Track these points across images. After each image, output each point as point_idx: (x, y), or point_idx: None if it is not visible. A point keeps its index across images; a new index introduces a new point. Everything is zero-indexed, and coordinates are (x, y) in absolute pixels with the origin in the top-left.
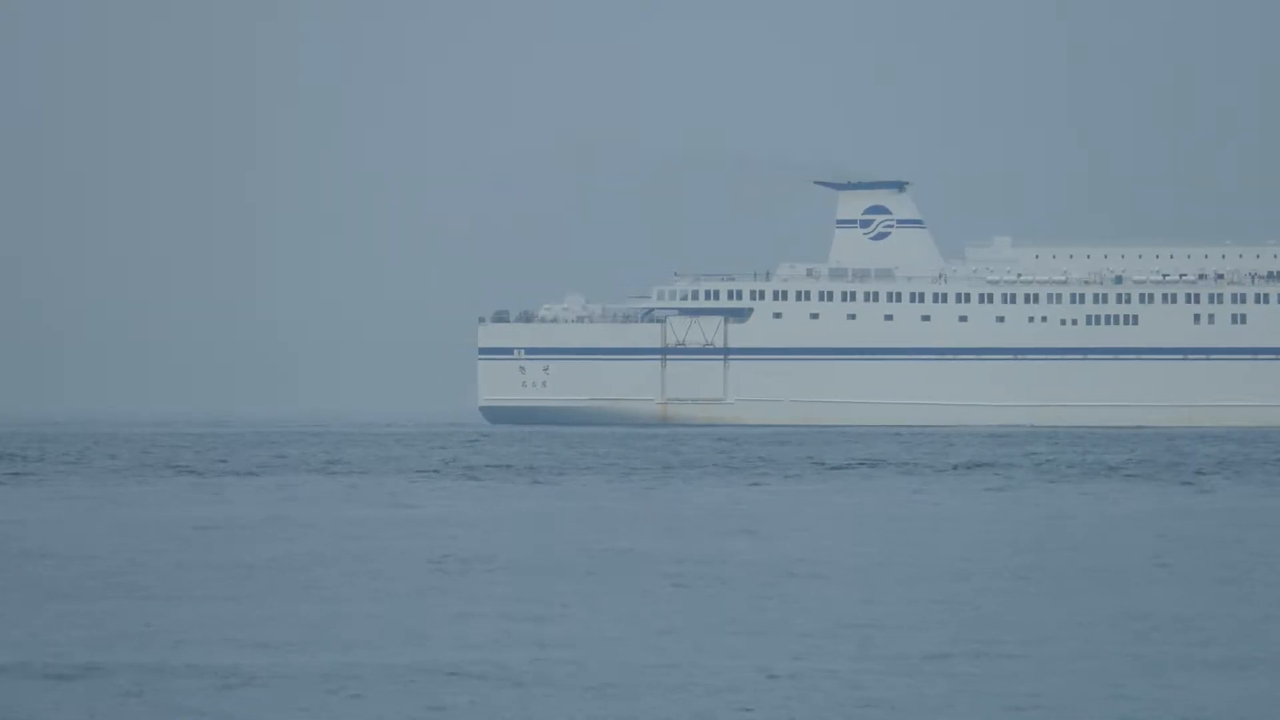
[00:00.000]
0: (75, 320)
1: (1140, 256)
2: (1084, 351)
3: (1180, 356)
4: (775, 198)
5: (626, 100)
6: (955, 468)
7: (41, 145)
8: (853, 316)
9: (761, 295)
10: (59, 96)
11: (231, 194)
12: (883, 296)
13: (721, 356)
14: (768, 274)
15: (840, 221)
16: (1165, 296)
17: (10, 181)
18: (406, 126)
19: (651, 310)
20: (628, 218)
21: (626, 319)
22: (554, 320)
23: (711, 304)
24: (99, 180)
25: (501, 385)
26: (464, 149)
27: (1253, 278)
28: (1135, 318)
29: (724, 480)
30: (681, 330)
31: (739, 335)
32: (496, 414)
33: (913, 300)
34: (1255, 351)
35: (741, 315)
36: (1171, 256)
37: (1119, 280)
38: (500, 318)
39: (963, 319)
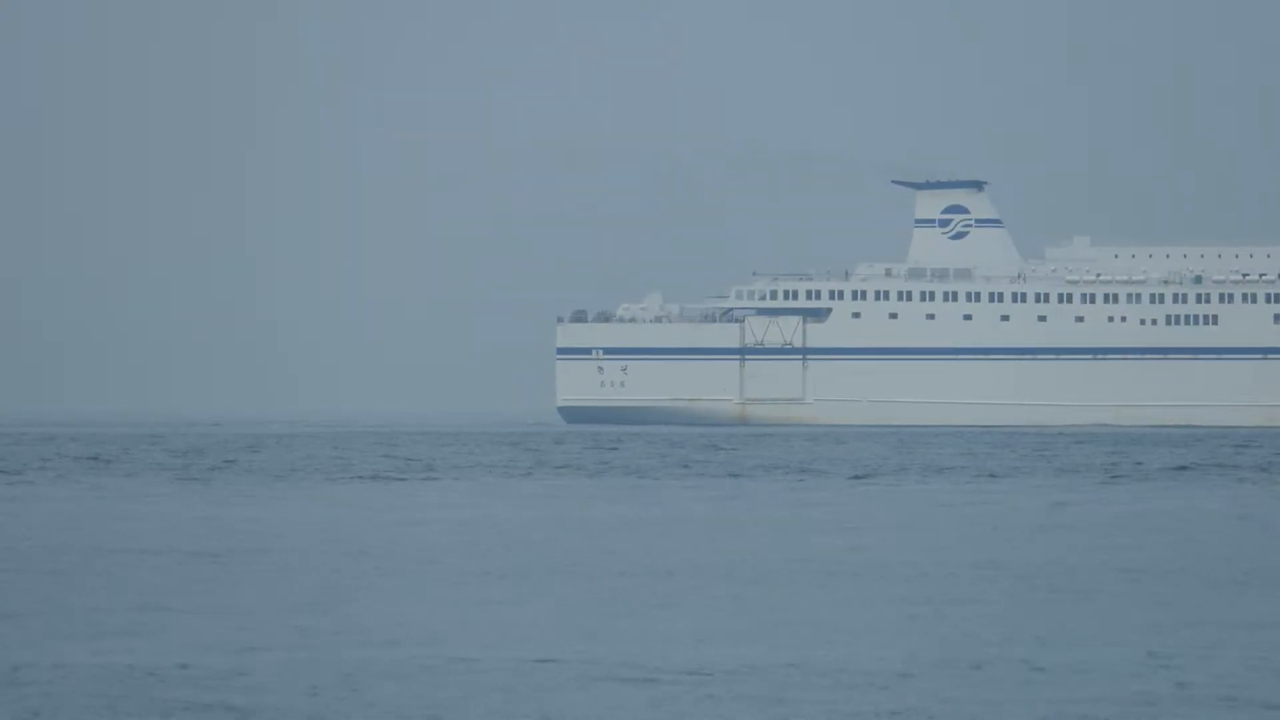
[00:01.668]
0: (75, 320)
1: (1220, 256)
2: (1164, 351)
3: (1260, 356)
4: (853, 197)
5: (689, 99)
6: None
7: (41, 146)
8: (931, 316)
9: (840, 295)
10: (59, 96)
11: (231, 193)
12: (961, 296)
13: (800, 356)
14: (846, 274)
15: (919, 221)
16: (1245, 296)
17: (10, 181)
18: (407, 126)
19: (730, 310)
20: (701, 218)
21: (705, 319)
22: (632, 320)
23: (790, 304)
24: (99, 181)
25: (580, 385)
26: (473, 148)
27: None
28: (1215, 317)
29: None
30: (760, 330)
31: (817, 335)
32: (575, 414)
33: (991, 300)
34: None
35: (820, 315)
36: (1251, 256)
37: (1199, 280)
38: (579, 318)
39: (1042, 319)
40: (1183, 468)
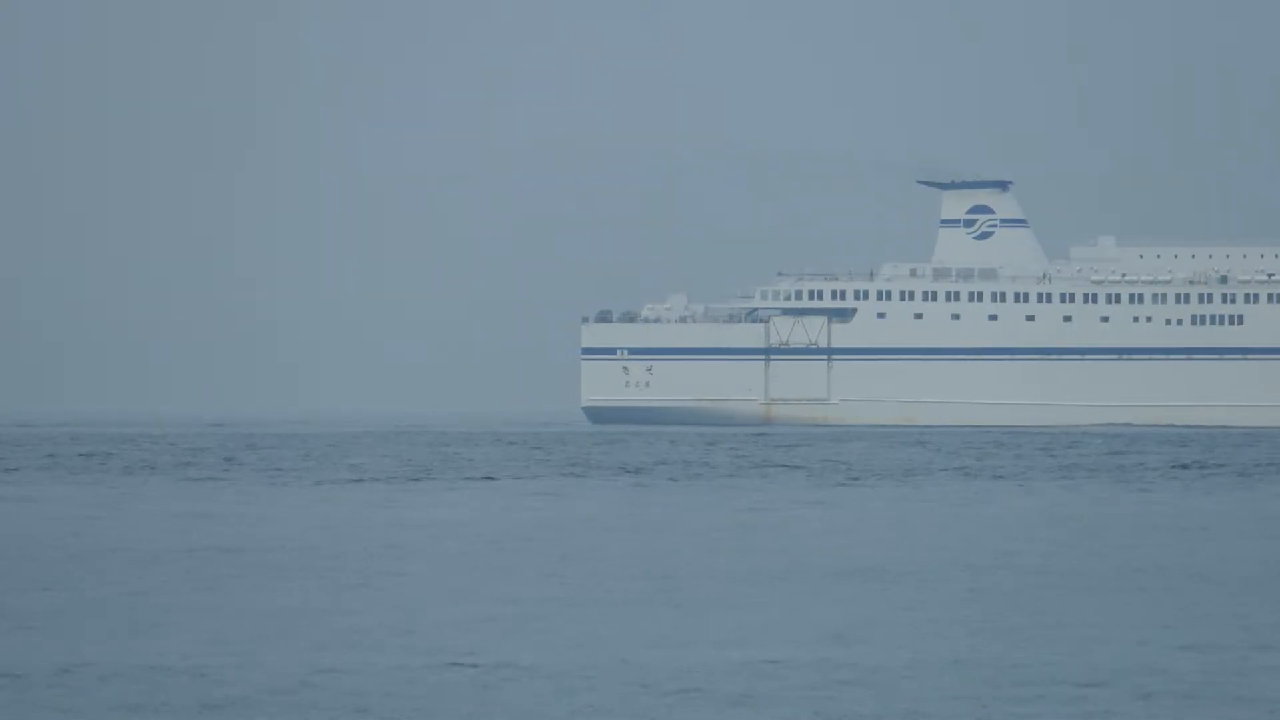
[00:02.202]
0: (75, 320)
1: (1245, 256)
2: (1189, 351)
3: None
4: (869, 197)
5: (709, 99)
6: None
7: (41, 145)
8: (957, 316)
9: (865, 295)
10: (59, 96)
11: (231, 193)
12: (986, 296)
13: (825, 356)
14: (871, 274)
15: (944, 221)
16: (1271, 296)
17: (10, 181)
18: (407, 126)
19: (755, 310)
20: (703, 218)
21: (730, 319)
22: (657, 320)
23: (815, 304)
24: (99, 181)
25: (605, 385)
26: (473, 148)
27: None
28: (1240, 317)
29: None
30: (785, 330)
31: (843, 335)
32: (600, 414)
33: (1017, 300)
34: None
35: (845, 315)
36: (1277, 255)
37: (1224, 280)
38: (603, 318)
39: (1067, 319)
40: (1184, 466)
